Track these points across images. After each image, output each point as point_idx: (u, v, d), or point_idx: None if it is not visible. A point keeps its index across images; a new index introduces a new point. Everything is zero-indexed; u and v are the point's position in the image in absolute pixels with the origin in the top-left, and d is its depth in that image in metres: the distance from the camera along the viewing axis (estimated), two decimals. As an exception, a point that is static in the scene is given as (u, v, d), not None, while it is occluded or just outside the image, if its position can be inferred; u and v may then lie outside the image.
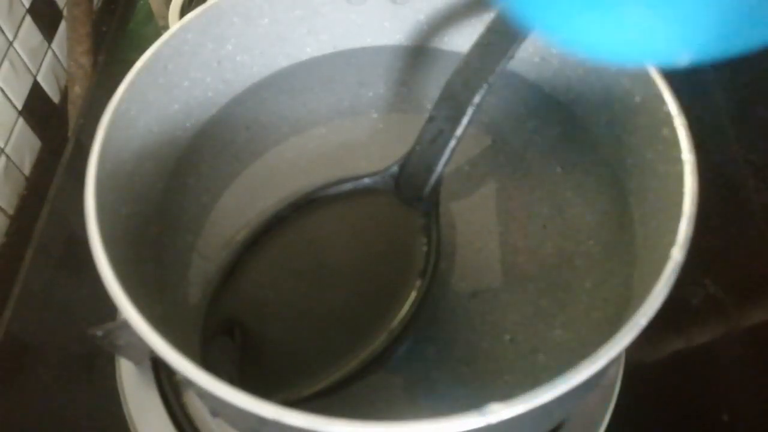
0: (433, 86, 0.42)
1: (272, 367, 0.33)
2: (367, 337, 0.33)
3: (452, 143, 0.34)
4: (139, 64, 0.33)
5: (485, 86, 0.33)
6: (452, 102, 0.34)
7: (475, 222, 0.36)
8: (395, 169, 0.36)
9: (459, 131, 0.34)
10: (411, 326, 0.34)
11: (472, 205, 0.37)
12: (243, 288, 0.35)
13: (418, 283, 0.34)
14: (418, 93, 0.42)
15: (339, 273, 0.35)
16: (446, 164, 0.35)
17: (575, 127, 0.38)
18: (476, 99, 0.33)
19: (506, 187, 0.39)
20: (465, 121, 0.34)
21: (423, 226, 0.36)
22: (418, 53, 0.43)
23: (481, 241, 0.36)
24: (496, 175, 0.39)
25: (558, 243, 0.37)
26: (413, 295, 0.34)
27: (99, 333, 0.36)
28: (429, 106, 0.36)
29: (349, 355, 0.33)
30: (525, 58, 0.40)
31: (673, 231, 0.27)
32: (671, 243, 0.27)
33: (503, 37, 0.33)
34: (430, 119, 0.35)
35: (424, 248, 0.35)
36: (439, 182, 0.35)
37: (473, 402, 0.23)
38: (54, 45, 0.59)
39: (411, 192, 0.36)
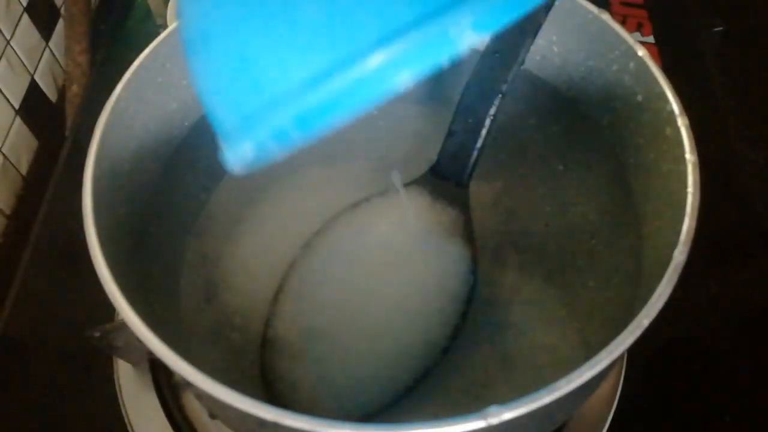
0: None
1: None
2: (414, 364, 0.33)
3: (475, 155, 0.35)
4: (136, 63, 0.32)
5: (500, 96, 0.33)
6: (470, 115, 0.34)
7: (476, 220, 0.36)
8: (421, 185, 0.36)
9: (480, 143, 0.34)
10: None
11: (473, 203, 0.36)
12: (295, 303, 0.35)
13: (462, 308, 0.34)
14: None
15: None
16: (471, 177, 0.35)
17: (578, 125, 0.37)
18: (492, 110, 0.34)
19: (508, 184, 0.39)
20: (484, 132, 0.34)
21: (462, 251, 0.36)
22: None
23: (481, 240, 0.36)
24: (498, 172, 0.39)
25: (560, 242, 0.36)
26: (457, 322, 0.34)
27: (97, 334, 0.36)
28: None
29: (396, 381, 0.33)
30: (527, 57, 0.39)
31: (677, 231, 0.27)
32: (674, 243, 0.27)
33: (511, 43, 0.33)
34: (450, 134, 0.35)
35: (471, 279, 0.35)
36: (467, 196, 0.36)
37: (474, 404, 0.23)
38: (51, 44, 0.58)
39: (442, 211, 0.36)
